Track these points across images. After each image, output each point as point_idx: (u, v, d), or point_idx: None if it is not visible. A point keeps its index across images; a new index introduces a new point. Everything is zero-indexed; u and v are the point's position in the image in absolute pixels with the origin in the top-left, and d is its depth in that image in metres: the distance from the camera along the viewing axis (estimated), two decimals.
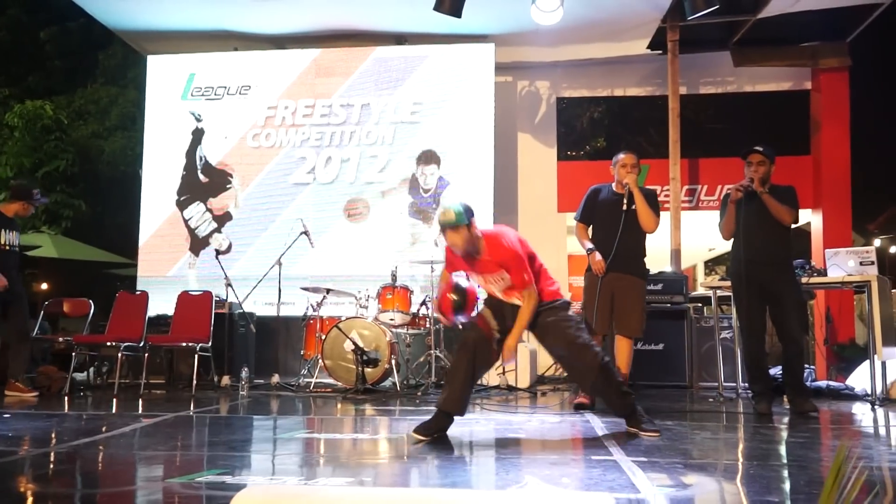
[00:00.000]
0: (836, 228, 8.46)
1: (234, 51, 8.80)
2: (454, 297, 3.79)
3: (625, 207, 5.07)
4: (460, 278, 3.87)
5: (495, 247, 3.80)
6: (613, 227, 5.06)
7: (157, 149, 8.76)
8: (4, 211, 6.24)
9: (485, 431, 3.78)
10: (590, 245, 5.21)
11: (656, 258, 6.09)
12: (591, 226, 5.38)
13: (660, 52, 8.48)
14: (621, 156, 5.21)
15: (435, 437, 3.71)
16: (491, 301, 4.00)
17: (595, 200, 5.32)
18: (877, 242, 22.00)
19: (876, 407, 5.34)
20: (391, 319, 6.53)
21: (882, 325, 5.44)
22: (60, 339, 7.46)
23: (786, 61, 8.78)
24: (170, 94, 8.79)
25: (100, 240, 13.11)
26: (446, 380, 3.98)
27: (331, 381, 6.52)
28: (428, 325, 6.68)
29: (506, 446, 3.59)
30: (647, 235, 5.21)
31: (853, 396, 6.07)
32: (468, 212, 3.75)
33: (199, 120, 8.70)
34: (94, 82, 15.54)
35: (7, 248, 6.16)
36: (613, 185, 5.27)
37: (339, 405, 5.54)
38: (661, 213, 5.34)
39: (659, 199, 5.42)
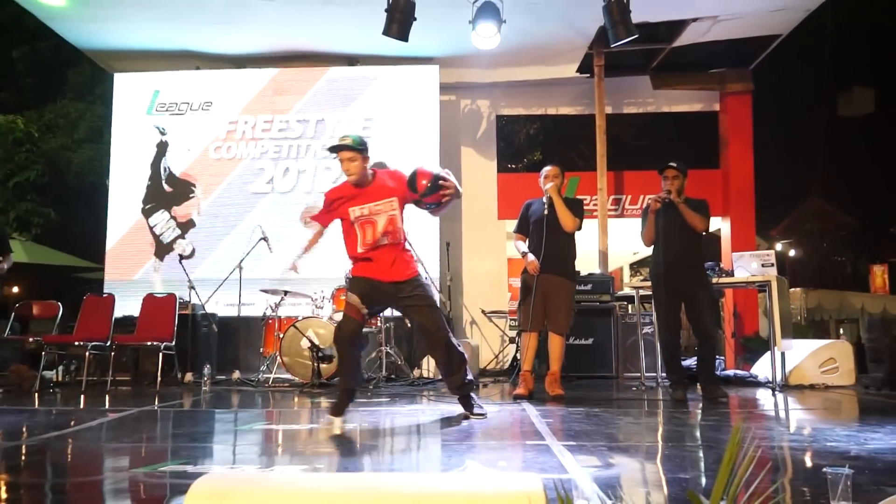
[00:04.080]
0: (742, 234, 8.71)
1: (197, 69, 8.63)
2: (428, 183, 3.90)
3: (546, 213, 5.16)
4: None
5: (391, 173, 4.02)
6: (540, 233, 5.16)
7: (124, 160, 8.53)
8: None
9: (431, 421, 3.78)
10: (524, 248, 5.31)
11: (586, 261, 6.18)
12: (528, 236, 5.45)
13: (587, 75, 8.62)
14: (546, 168, 5.33)
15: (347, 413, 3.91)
16: (359, 282, 4.03)
17: (528, 212, 5.43)
18: (778, 246, 22.77)
19: (776, 392, 5.53)
20: None
21: (781, 320, 5.63)
22: (31, 339, 7.19)
23: (697, 85, 9.02)
24: (135, 109, 8.57)
25: (68, 246, 12.71)
26: (339, 368, 4.06)
27: (288, 376, 6.43)
28: (379, 324, 6.65)
29: (450, 434, 3.60)
30: (577, 241, 5.30)
31: (757, 383, 6.26)
32: (365, 144, 3.93)
33: (163, 133, 8.50)
34: (64, 98, 15.03)
35: None
36: (544, 197, 5.36)
37: (296, 399, 5.48)
38: (591, 220, 5.44)
39: (586, 207, 5.51)
